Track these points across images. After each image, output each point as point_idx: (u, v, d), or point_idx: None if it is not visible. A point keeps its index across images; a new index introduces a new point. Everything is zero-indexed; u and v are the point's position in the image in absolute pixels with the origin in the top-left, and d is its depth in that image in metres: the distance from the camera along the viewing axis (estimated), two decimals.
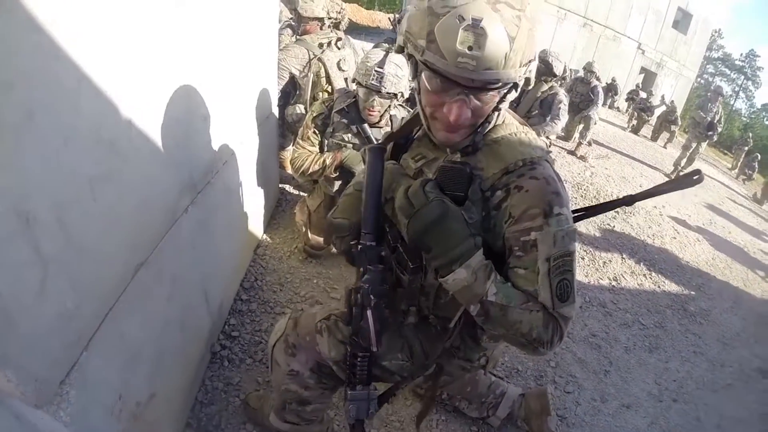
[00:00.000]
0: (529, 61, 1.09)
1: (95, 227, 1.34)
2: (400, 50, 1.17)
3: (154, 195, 1.68)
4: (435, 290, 1.42)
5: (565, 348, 3.03)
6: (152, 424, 1.74)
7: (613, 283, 4.13)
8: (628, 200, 1.37)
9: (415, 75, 1.16)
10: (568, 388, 2.72)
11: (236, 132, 2.56)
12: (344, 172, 2.84)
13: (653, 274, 4.52)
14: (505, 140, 1.24)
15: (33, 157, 1.06)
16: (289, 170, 3.01)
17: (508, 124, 1.29)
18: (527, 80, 1.14)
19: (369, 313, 1.27)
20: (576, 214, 1.40)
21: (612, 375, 2.94)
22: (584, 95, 8.05)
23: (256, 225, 3.21)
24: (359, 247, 1.32)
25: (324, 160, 2.81)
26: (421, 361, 1.57)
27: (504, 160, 1.21)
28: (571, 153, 7.83)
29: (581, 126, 7.90)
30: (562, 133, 7.76)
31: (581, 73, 8.31)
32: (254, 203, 3.05)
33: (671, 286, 4.44)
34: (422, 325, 1.57)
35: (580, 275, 4.04)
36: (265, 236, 3.43)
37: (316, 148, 2.93)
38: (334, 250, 3.08)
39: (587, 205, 1.53)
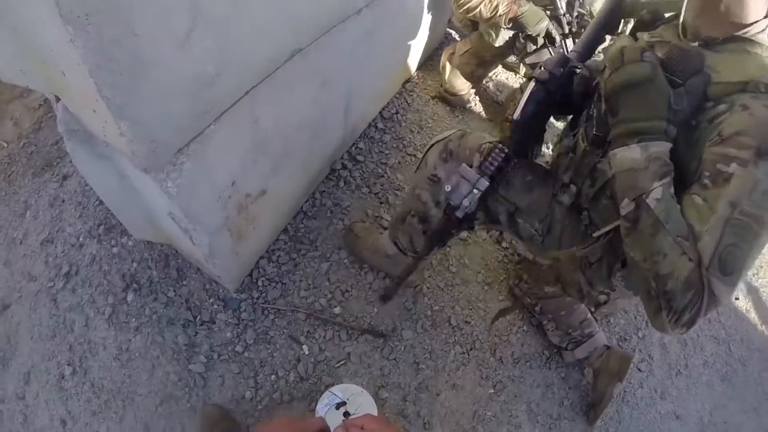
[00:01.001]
0: None
1: None
2: None
3: None
4: (602, 183, 1.26)
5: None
6: (254, 220, 1.67)
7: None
8: None
9: None
10: (641, 366, 2.57)
11: None
12: (517, 27, 2.36)
13: (763, 308, 3.93)
14: (757, 56, 1.02)
15: None
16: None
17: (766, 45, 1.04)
18: None
19: (532, 84, 1.20)
20: None
21: (681, 378, 2.74)
22: None
23: (413, 57, 2.90)
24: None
25: (497, 6, 2.30)
26: (551, 246, 1.42)
27: (747, 73, 0.98)
28: None
29: None
30: None
31: None
32: (419, 33, 2.70)
33: None
34: (573, 215, 1.39)
35: None
36: (418, 73, 3.12)
37: None
38: (469, 101, 2.97)
39: None
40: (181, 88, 1.01)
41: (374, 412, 1.76)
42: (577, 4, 2.34)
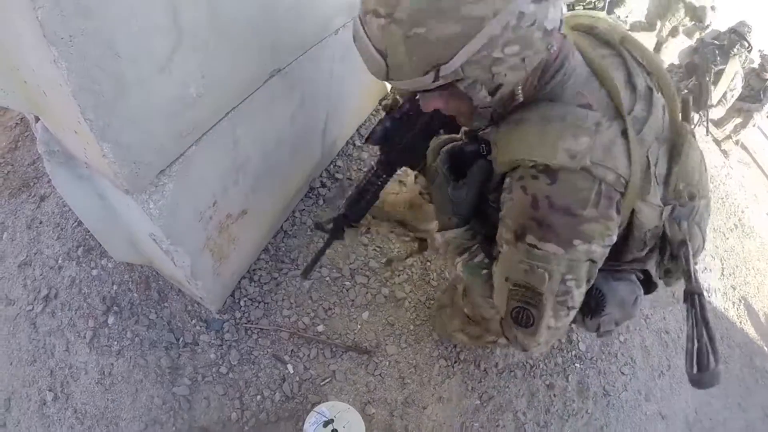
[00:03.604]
0: (438, 65, 0.82)
1: (244, 12, 1.13)
2: None
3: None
4: None
5: (638, 329, 2.88)
6: (234, 240, 1.67)
7: (704, 293, 3.67)
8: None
9: None
10: (624, 370, 2.60)
11: None
12: None
13: (741, 307, 4.04)
14: (526, 126, 0.96)
15: None
16: None
17: (559, 103, 0.95)
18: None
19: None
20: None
21: (665, 379, 2.78)
22: (756, 90, 6.54)
23: None
24: None
25: None
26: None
27: (512, 151, 0.96)
28: (716, 141, 6.67)
29: (738, 120, 6.60)
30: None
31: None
32: None
33: (751, 329, 3.97)
34: None
35: None
36: (393, 90, 3.13)
37: None
38: None
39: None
40: (163, 110, 1.02)
41: (362, 428, 1.75)
42: None
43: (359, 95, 2.48)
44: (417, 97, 1.06)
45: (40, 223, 1.97)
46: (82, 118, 0.85)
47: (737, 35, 4.79)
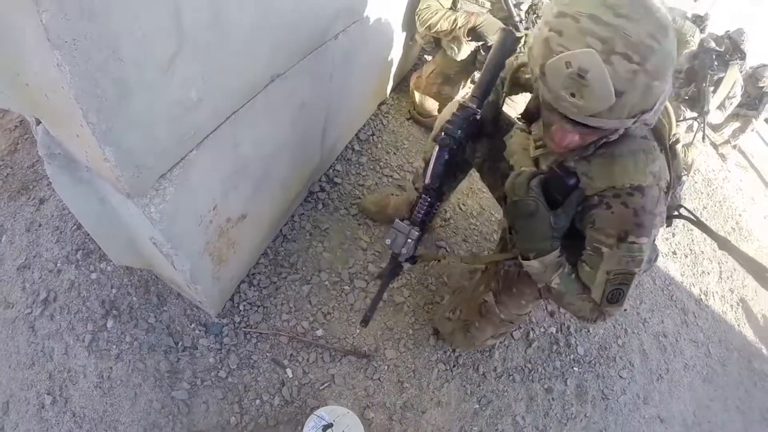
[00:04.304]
0: (643, 112, 1.04)
1: (246, 17, 1.13)
2: (522, 66, 1.43)
3: (310, 5, 1.47)
4: None
5: (636, 333, 2.90)
6: (234, 244, 1.67)
7: (702, 296, 3.71)
8: (721, 243, 1.49)
9: None
10: (622, 373, 2.62)
11: None
12: (476, 38, 2.43)
13: (740, 310, 4.04)
14: (622, 160, 1.23)
15: None
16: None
17: (634, 136, 1.24)
18: None
19: (437, 148, 1.41)
20: (677, 212, 1.55)
21: (663, 383, 2.80)
22: (752, 97, 6.57)
23: (388, 79, 2.94)
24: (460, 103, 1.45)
25: (455, 20, 2.39)
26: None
27: (613, 180, 1.22)
28: (713, 145, 6.68)
29: (737, 125, 6.62)
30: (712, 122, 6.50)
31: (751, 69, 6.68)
32: (393, 55, 2.76)
33: (749, 332, 3.96)
34: None
35: (676, 271, 3.65)
36: (393, 94, 3.18)
37: (449, 3, 2.50)
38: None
39: (695, 214, 1.58)
40: (165, 114, 1.02)
41: (361, 431, 1.75)
42: (534, 13, 2.46)
43: (358, 99, 2.50)
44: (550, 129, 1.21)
45: (39, 226, 1.96)
46: (84, 122, 0.85)
47: (732, 42, 4.81)
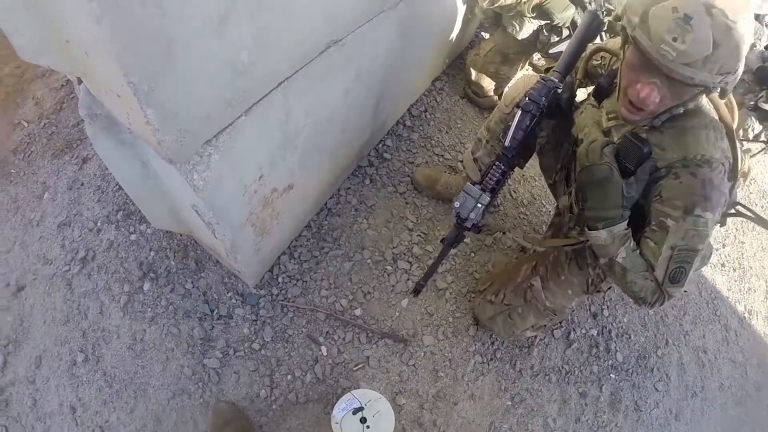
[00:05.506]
0: (727, 73, 1.09)
1: None
2: (617, 19, 1.27)
3: None
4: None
5: (676, 345, 2.76)
6: (278, 215, 1.60)
7: (746, 315, 3.46)
8: None
9: (623, 47, 1.25)
10: (658, 386, 2.50)
11: None
12: (541, 15, 2.23)
13: None
14: (694, 131, 1.27)
15: None
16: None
17: (705, 112, 1.30)
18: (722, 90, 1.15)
19: (518, 113, 1.37)
20: (735, 210, 1.51)
21: (697, 400, 2.66)
22: None
23: (444, 54, 2.78)
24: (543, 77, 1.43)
25: None
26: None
27: (686, 150, 1.25)
28: None
29: None
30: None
31: None
32: (451, 30, 2.59)
33: None
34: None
35: (723, 285, 3.41)
36: (448, 71, 2.99)
37: None
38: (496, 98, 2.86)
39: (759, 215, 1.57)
40: (213, 76, 0.94)
41: (391, 420, 1.69)
42: None
43: (413, 73, 2.37)
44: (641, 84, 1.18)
45: (82, 185, 1.95)
46: (125, 81, 0.78)
47: None
